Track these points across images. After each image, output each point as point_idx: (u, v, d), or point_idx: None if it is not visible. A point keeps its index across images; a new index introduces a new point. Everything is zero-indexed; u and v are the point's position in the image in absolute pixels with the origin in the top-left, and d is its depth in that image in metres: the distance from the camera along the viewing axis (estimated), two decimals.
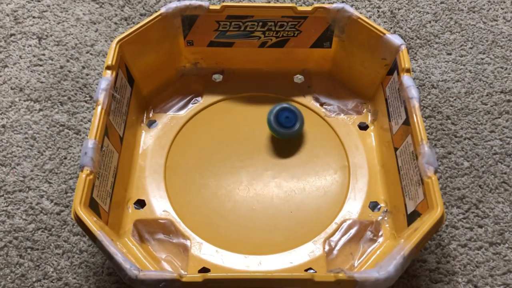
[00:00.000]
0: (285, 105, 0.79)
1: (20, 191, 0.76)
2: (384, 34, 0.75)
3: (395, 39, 0.74)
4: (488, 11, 0.95)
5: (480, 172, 0.78)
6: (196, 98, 0.84)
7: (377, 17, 0.94)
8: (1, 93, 0.85)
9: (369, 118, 0.82)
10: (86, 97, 0.85)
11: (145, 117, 0.82)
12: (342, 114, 0.82)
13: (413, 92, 0.69)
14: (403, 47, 0.74)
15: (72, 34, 0.92)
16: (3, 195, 0.75)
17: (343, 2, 0.94)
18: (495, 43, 0.91)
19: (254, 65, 0.85)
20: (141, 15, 0.95)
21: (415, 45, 0.91)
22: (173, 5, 0.77)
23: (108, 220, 0.67)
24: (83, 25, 0.93)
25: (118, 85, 0.73)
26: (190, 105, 0.83)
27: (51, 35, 0.91)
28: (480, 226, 0.73)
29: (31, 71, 0.87)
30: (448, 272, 0.70)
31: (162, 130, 0.81)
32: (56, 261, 0.71)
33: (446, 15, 0.95)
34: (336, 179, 0.76)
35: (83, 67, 0.88)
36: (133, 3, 0.96)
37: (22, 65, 0.88)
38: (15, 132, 0.81)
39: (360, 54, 0.80)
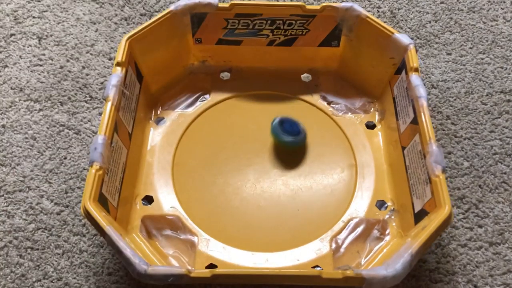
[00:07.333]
0: (284, 117, 0.79)
1: (20, 191, 0.75)
2: (393, 33, 0.76)
3: (404, 39, 0.75)
4: (488, 11, 0.96)
5: (480, 172, 0.78)
6: (204, 96, 0.84)
7: (377, 17, 0.94)
8: (1, 93, 0.84)
9: (377, 117, 0.82)
10: (86, 97, 0.84)
11: (153, 114, 0.82)
12: (349, 113, 0.82)
13: (421, 91, 0.70)
14: (412, 46, 0.74)
15: (72, 34, 0.91)
16: (3, 195, 0.75)
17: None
18: (495, 43, 0.92)
19: (262, 64, 0.85)
20: (141, 15, 0.95)
21: (415, 45, 0.91)
22: (182, 2, 0.78)
23: (116, 215, 0.67)
24: (83, 25, 0.93)
25: (127, 82, 0.73)
26: (198, 103, 0.83)
27: (51, 35, 0.91)
28: (480, 226, 0.74)
29: (31, 71, 0.87)
30: (448, 272, 0.70)
31: (170, 127, 0.81)
32: (56, 261, 0.70)
33: (446, 15, 0.96)
34: (343, 178, 0.77)
35: (83, 67, 0.88)
36: (133, 3, 0.96)
37: (22, 65, 0.87)
38: (15, 132, 0.80)
39: (368, 53, 0.81)
